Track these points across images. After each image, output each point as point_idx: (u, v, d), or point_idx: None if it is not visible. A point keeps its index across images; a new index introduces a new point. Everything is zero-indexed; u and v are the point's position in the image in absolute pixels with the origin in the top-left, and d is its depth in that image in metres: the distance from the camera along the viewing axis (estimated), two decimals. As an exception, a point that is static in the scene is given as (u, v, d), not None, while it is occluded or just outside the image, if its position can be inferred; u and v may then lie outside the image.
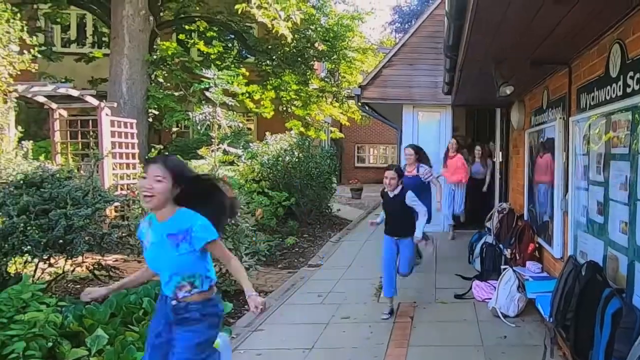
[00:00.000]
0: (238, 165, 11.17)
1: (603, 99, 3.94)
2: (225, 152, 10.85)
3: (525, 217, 6.75)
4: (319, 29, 16.09)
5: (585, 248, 4.33)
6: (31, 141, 6.44)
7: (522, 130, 7.33)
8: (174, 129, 15.85)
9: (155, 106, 13.03)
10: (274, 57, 15.74)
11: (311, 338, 4.83)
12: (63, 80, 12.58)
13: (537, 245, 6.02)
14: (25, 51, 6.90)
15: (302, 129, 15.76)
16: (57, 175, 5.33)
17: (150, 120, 13.54)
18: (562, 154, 5.19)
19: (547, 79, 5.87)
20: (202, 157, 11.07)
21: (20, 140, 6.83)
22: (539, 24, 3.67)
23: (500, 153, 9.77)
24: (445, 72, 6.60)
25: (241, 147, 11.60)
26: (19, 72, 6.87)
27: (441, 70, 8.59)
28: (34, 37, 7.94)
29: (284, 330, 5.06)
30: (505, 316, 5.12)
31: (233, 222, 5.83)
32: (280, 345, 4.69)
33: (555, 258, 5.30)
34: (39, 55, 7.41)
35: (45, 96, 8.65)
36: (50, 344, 3.71)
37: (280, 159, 11.24)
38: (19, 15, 6.86)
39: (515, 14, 3.44)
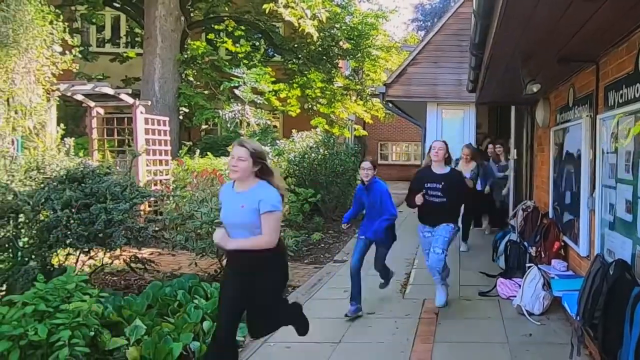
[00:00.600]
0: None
1: (632, 97, 3.86)
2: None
3: (550, 215, 6.66)
4: (343, 27, 16.08)
5: (613, 246, 4.26)
6: (72, 139, 6.61)
7: (547, 128, 7.23)
8: (203, 127, 16.04)
9: (186, 104, 13.21)
10: (299, 56, 15.79)
11: (338, 332, 4.86)
12: (100, 78, 12.85)
13: (562, 244, 5.94)
14: (67, 52, 7.07)
15: (326, 127, 15.80)
16: (97, 171, 5.47)
17: (181, 118, 13.73)
18: (589, 152, 5.11)
19: (573, 77, 5.77)
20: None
21: (62, 137, 7.02)
22: (568, 21, 3.61)
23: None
24: (471, 70, 6.54)
25: (268, 145, 11.70)
26: (61, 72, 7.05)
27: (465, 68, 8.52)
28: (74, 38, 8.13)
29: (311, 324, 5.07)
30: (530, 314, 5.07)
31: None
32: (308, 339, 4.69)
33: (582, 256, 5.23)
34: (79, 56, 7.58)
35: (83, 94, 8.86)
36: (92, 333, 3.82)
37: (306, 156, 11.29)
38: (61, 17, 7.02)
39: (544, 12, 3.38)
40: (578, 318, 3.91)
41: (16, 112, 6.41)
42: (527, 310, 5.09)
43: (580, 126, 5.38)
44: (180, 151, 11.45)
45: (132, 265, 5.80)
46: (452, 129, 10.66)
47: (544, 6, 3.26)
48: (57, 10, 6.97)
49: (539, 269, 5.34)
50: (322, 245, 9.07)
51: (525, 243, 6.53)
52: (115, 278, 6.26)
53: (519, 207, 7.58)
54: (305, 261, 7.91)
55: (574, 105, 5.78)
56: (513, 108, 9.80)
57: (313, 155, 11.42)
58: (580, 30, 3.86)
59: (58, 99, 7.58)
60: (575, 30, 3.88)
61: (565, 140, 6.16)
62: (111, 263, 5.83)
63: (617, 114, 4.18)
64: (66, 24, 7.17)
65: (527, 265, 5.82)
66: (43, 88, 6.90)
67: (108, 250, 5.27)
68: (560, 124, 6.40)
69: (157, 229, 5.74)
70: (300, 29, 13.12)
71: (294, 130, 12.48)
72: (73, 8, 14.11)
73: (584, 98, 5.32)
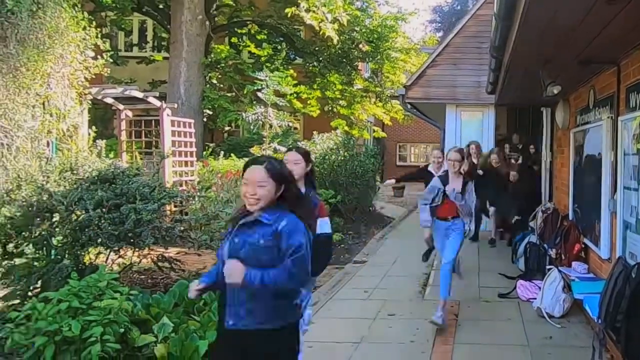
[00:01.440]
0: (287, 164, 11.28)
1: (655, 99, 3.79)
2: (275, 151, 11.01)
3: (570, 217, 6.56)
4: (363, 30, 16.05)
5: (635, 249, 4.18)
6: (104, 140, 6.75)
7: (567, 129, 7.12)
8: (226, 128, 16.17)
9: (210, 106, 13.34)
10: (320, 59, 15.82)
11: (359, 332, 4.85)
12: (128, 82, 13.05)
13: (583, 246, 5.84)
14: (98, 56, 7.22)
15: (346, 128, 15.80)
16: (127, 172, 5.56)
17: (205, 120, 13.86)
18: (610, 154, 5.02)
19: (594, 78, 5.68)
20: (253, 155, 11.29)
21: (94, 139, 7.17)
22: (590, 23, 3.56)
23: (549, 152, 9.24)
24: (490, 72, 6.47)
25: (290, 146, 11.73)
26: (93, 77, 7.20)
27: (484, 70, 8.43)
28: (105, 43, 8.29)
29: (333, 324, 5.11)
30: (550, 316, 5.00)
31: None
32: (330, 338, 4.73)
33: (602, 259, 5.14)
34: (110, 60, 7.74)
35: (113, 98, 9.01)
36: (122, 330, 3.87)
37: (326, 157, 11.29)
38: (93, 23, 7.17)
39: (566, 15, 3.34)
40: (600, 321, 3.85)
41: (51, 115, 6.55)
42: (547, 313, 5.02)
43: (600, 128, 5.29)
44: (204, 152, 11.56)
45: (159, 264, 5.86)
46: (470, 131, 10.55)
47: (565, 10, 3.21)
48: (89, 17, 7.11)
49: (559, 271, 5.26)
50: (342, 245, 9.07)
51: (545, 245, 6.44)
52: (142, 276, 6.35)
53: (538, 209, 7.48)
54: (326, 261, 7.90)
55: (594, 106, 5.68)
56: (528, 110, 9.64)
57: (333, 156, 11.42)
58: (602, 32, 3.79)
59: (89, 102, 7.73)
60: (597, 32, 3.81)
61: (585, 142, 6.06)
62: (139, 262, 5.90)
63: (638, 116, 4.10)
64: (98, 29, 7.31)
65: (547, 267, 5.74)
66: (76, 92, 7.04)
67: (137, 249, 5.35)
68: (581, 126, 6.30)
69: (182, 228, 5.81)
70: (321, 32, 13.14)
71: (314, 132, 12.50)
72: (103, 14, 14.35)
73: (605, 100, 5.23)
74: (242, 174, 2.57)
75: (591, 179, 5.69)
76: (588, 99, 5.94)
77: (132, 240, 5.15)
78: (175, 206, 8.04)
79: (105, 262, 5.43)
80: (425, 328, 4.92)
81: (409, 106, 11.70)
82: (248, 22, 15.48)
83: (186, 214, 6.53)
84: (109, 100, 9.12)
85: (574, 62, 4.77)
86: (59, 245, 5.21)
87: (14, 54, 6.06)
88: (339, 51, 15.76)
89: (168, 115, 9.17)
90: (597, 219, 5.36)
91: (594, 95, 5.71)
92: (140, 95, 9.05)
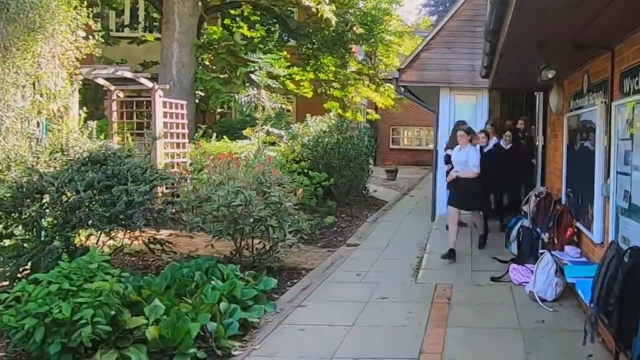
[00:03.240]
0: (279, 146, 11.21)
1: (648, 83, 3.75)
2: (268, 133, 10.92)
3: (563, 201, 6.56)
4: (357, 12, 15.86)
5: (628, 233, 4.17)
6: (95, 121, 6.64)
7: (560, 114, 7.09)
8: (219, 110, 16.01)
9: (202, 88, 13.17)
10: (314, 41, 15.63)
11: (352, 316, 4.83)
12: (120, 62, 12.84)
13: (575, 230, 5.84)
14: (89, 36, 7.08)
15: (339, 111, 15.70)
16: (119, 153, 5.48)
17: (197, 101, 13.70)
18: (604, 138, 4.99)
19: (588, 63, 5.64)
20: (246, 138, 11.19)
21: (85, 120, 7.06)
22: (586, 8, 3.50)
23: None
24: (485, 55, 6.40)
25: (283, 128, 11.63)
26: (84, 57, 7.07)
27: (479, 54, 8.34)
28: (97, 23, 8.12)
29: (325, 307, 5.09)
30: (542, 300, 5.00)
31: (278, 200, 5.88)
32: (322, 321, 4.71)
33: (595, 243, 5.14)
34: (102, 40, 7.58)
35: (104, 78, 8.86)
36: (113, 312, 3.83)
37: (320, 140, 11.21)
38: (85, 2, 7.01)
39: (561, 0, 3.29)
40: (592, 305, 3.85)
41: (41, 96, 6.45)
42: (539, 297, 5.02)
43: (594, 112, 5.26)
44: (196, 134, 11.44)
45: (151, 246, 5.81)
46: (464, 115, 10.48)
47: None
48: (80, -5, 6.96)
49: (551, 255, 5.26)
50: (335, 229, 9.04)
51: (538, 229, 6.44)
52: (133, 259, 6.30)
53: (531, 193, 7.46)
54: (319, 244, 7.88)
55: (588, 91, 5.65)
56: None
57: (327, 139, 11.34)
58: (597, 17, 3.75)
59: (80, 82, 7.59)
60: (592, 17, 3.77)
61: (579, 127, 6.03)
62: (130, 244, 5.85)
63: (632, 101, 4.07)
64: (89, 9, 7.15)
65: (540, 251, 5.74)
66: (67, 72, 6.92)
67: (128, 231, 5.29)
68: (574, 110, 6.27)
69: (174, 210, 5.75)
70: (319, 14, 12.96)
71: (307, 115, 12.39)
72: (95, -7, 14.03)
73: (599, 84, 5.20)
74: None
75: (584, 163, 5.67)
76: (582, 83, 5.91)
77: (123, 222, 5.10)
78: (166, 188, 7.96)
79: (96, 244, 5.38)
80: (418, 311, 4.91)
81: (402, 89, 11.59)
82: (242, 3, 15.23)
83: (178, 196, 6.46)
84: (100, 81, 8.96)
85: (569, 46, 4.73)
86: (49, 226, 5.15)
87: (3, 33, 5.93)
88: (333, 33, 15.58)
89: (160, 96, 9.02)
90: (590, 203, 5.35)
91: (588, 80, 5.68)
92: (131, 75, 8.89)
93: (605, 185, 4.88)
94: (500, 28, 4.40)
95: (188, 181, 6.60)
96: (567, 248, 5.58)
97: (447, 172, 7.62)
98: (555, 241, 5.87)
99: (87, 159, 5.33)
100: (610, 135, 4.72)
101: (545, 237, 6.11)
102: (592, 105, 5.35)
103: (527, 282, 5.38)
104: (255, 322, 4.53)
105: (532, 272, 5.36)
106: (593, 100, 5.37)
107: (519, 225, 6.91)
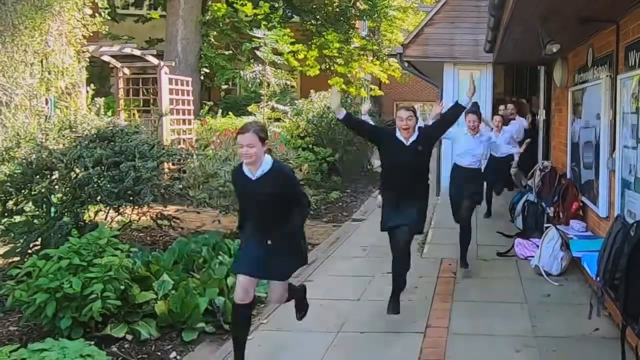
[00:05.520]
0: (284, 122, 11.09)
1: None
2: (273, 109, 10.79)
3: (568, 176, 6.45)
4: (360, -13, 15.54)
5: (634, 207, 4.09)
6: (102, 98, 6.57)
7: (565, 88, 6.94)
8: (224, 87, 15.86)
9: (207, 65, 13.01)
10: (317, 17, 15.35)
11: (358, 290, 4.79)
12: (126, 40, 12.68)
13: (581, 204, 5.75)
14: (95, 14, 6.98)
15: (343, 86, 15.50)
16: (126, 130, 5.42)
17: (202, 78, 13.56)
18: (609, 112, 4.87)
19: (593, 37, 5.48)
20: (251, 114, 11.06)
21: (93, 97, 6.99)
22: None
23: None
24: (489, 30, 6.25)
25: (287, 104, 11.49)
26: (90, 34, 6.97)
27: (482, 29, 8.14)
28: (103, 0, 8.00)
29: (332, 282, 5.05)
30: (548, 274, 4.94)
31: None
32: (329, 295, 4.68)
33: (601, 217, 5.06)
34: (108, 18, 7.48)
35: (110, 55, 8.75)
36: (123, 287, 3.82)
37: (324, 116, 11.08)
38: None
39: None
40: (598, 279, 3.78)
41: (49, 73, 6.39)
42: (545, 271, 4.97)
43: (599, 86, 5.13)
44: (202, 111, 11.33)
45: (159, 222, 5.78)
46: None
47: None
48: (88, -27, 6.84)
49: (557, 229, 5.18)
50: (340, 204, 9.00)
51: (543, 203, 6.34)
52: (141, 234, 6.27)
53: (536, 167, 7.35)
54: (324, 220, 7.84)
55: (593, 65, 5.50)
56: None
57: (331, 115, 11.20)
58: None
59: (87, 60, 7.51)
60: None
61: (583, 101, 5.89)
62: (138, 220, 5.82)
63: (637, 74, 3.94)
64: (96, -14, 7.05)
65: (545, 225, 5.66)
66: (74, 49, 6.83)
67: (136, 207, 5.26)
68: (579, 84, 6.12)
69: (181, 186, 5.70)
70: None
71: (312, 91, 12.22)
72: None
73: (604, 58, 5.05)
74: None
75: (589, 137, 5.55)
76: (587, 57, 5.75)
77: (131, 198, 5.07)
78: (173, 164, 7.91)
79: (105, 219, 5.35)
80: (423, 286, 4.87)
81: (406, 64, 11.40)
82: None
83: (184, 172, 6.40)
84: (106, 58, 8.88)
85: (574, 20, 4.59)
86: (59, 202, 5.12)
87: (11, 11, 5.84)
88: (337, 9, 15.28)
89: (166, 73, 8.92)
90: (596, 177, 5.26)
91: (592, 54, 5.53)
92: (137, 53, 8.81)
93: (610, 159, 4.79)
94: (505, 2, 4.27)
95: (194, 157, 6.54)
96: (572, 222, 5.49)
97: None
98: (561, 215, 5.77)
99: (95, 136, 5.27)
100: (615, 109, 4.60)
101: (550, 211, 6.02)
102: (597, 79, 5.22)
103: (533, 257, 5.31)
104: (262, 297, 4.50)
105: (537, 246, 5.29)
106: (598, 74, 5.23)
107: (524, 199, 6.81)
